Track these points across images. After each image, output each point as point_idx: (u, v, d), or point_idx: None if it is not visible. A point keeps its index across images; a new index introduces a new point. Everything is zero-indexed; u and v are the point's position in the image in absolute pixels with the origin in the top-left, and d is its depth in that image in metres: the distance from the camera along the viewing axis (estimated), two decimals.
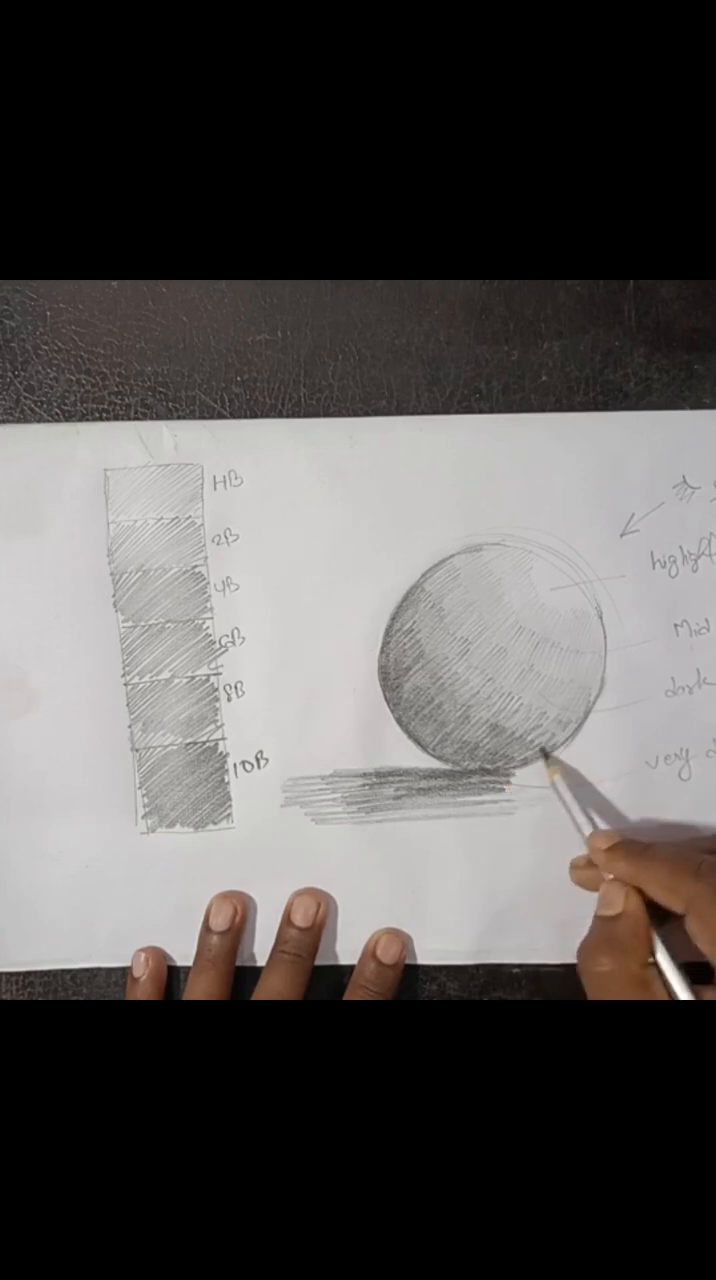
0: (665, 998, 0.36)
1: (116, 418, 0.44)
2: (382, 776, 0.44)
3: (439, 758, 0.44)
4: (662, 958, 0.37)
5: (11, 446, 0.44)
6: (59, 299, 0.45)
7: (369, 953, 0.43)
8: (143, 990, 0.43)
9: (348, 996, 0.43)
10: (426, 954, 0.44)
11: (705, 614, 0.44)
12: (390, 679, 0.44)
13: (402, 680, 0.44)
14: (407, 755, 0.44)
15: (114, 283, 0.45)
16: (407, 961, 0.44)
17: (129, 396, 0.45)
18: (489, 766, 0.44)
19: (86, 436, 0.44)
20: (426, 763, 0.44)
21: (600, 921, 0.38)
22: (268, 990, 0.42)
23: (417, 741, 0.44)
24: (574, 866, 0.42)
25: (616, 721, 0.44)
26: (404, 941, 0.43)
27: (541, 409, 0.45)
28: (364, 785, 0.44)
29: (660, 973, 0.36)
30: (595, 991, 0.37)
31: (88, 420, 0.44)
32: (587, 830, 0.41)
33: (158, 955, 0.43)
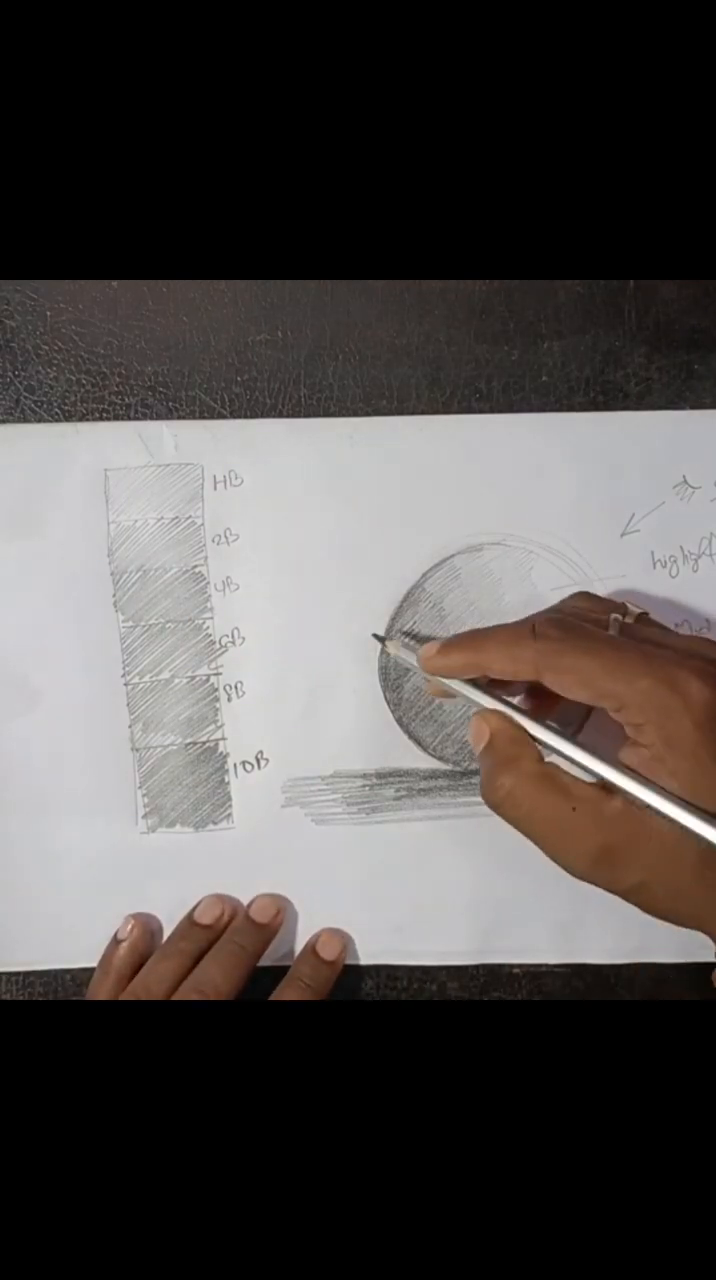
0: (576, 780, 0.34)
1: (116, 418, 0.44)
2: (383, 777, 0.44)
3: (439, 758, 0.44)
4: (560, 744, 0.35)
5: (11, 446, 0.44)
6: (59, 299, 0.45)
7: (308, 949, 0.43)
8: (119, 955, 0.42)
9: (280, 992, 0.42)
10: (426, 954, 0.44)
11: (705, 614, 0.44)
12: (390, 679, 0.44)
13: (403, 680, 0.44)
14: (408, 756, 0.44)
15: (114, 283, 0.45)
16: (410, 962, 0.44)
17: (129, 396, 0.45)
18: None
19: (86, 436, 0.44)
20: (427, 763, 0.44)
21: (480, 757, 0.36)
22: (203, 979, 0.40)
23: (418, 742, 0.44)
24: (430, 687, 0.39)
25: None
26: (344, 941, 0.43)
27: (541, 409, 0.45)
28: (364, 786, 0.44)
29: (562, 757, 0.35)
30: (514, 820, 0.35)
31: (88, 420, 0.44)
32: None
33: (144, 926, 0.43)
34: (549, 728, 0.35)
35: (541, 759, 0.35)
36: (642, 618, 0.37)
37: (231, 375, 0.45)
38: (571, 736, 0.35)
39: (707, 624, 0.44)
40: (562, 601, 0.39)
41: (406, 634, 0.44)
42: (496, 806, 0.35)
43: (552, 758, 0.35)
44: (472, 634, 0.36)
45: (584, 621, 0.35)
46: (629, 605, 0.37)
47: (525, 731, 0.35)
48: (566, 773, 0.34)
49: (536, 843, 0.35)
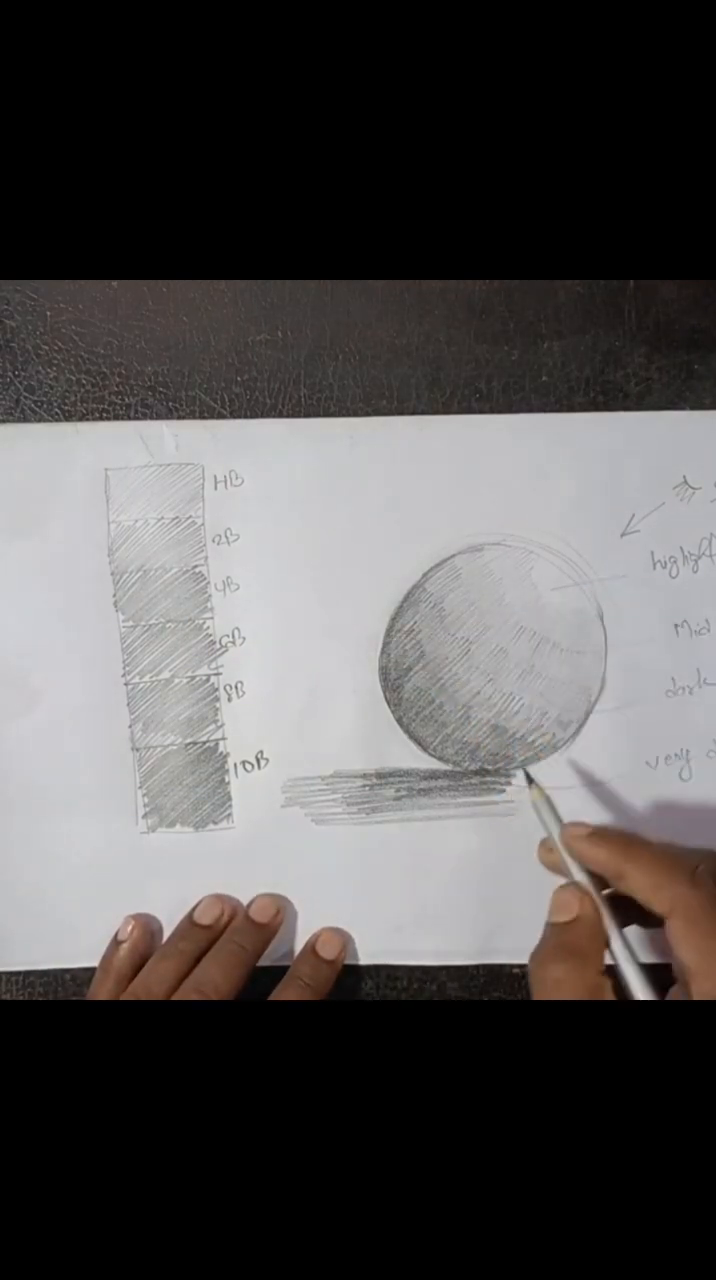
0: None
1: (117, 418, 0.44)
2: (383, 777, 0.44)
3: (440, 758, 0.44)
4: (625, 962, 0.35)
5: (11, 446, 0.44)
6: (59, 299, 0.45)
7: (308, 948, 0.43)
8: (119, 955, 0.43)
9: (280, 992, 0.42)
10: (427, 954, 0.44)
11: (705, 614, 0.44)
12: (391, 679, 0.44)
13: (403, 681, 0.44)
14: (408, 756, 0.44)
15: (114, 283, 0.45)
16: (410, 962, 0.44)
17: (129, 396, 0.45)
18: (489, 767, 0.44)
19: (87, 436, 0.44)
20: (427, 763, 0.44)
21: (553, 928, 0.36)
22: (203, 978, 0.40)
23: (418, 742, 0.44)
24: (544, 846, 0.39)
25: (617, 722, 0.44)
26: (344, 940, 0.43)
27: (541, 409, 0.45)
28: (364, 786, 0.44)
29: (616, 979, 0.35)
30: (540, 995, 0.35)
31: (88, 420, 0.44)
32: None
33: (144, 926, 0.43)
34: (624, 937, 0.35)
35: (602, 967, 0.34)
36: None
37: (231, 375, 0.45)
38: (649, 982, 0.34)
39: (707, 624, 0.44)
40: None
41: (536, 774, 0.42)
42: (535, 979, 0.35)
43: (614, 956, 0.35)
44: (628, 842, 0.36)
45: None
46: None
47: (604, 934, 0.35)
48: (614, 990, 0.34)
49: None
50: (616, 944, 0.35)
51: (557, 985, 0.34)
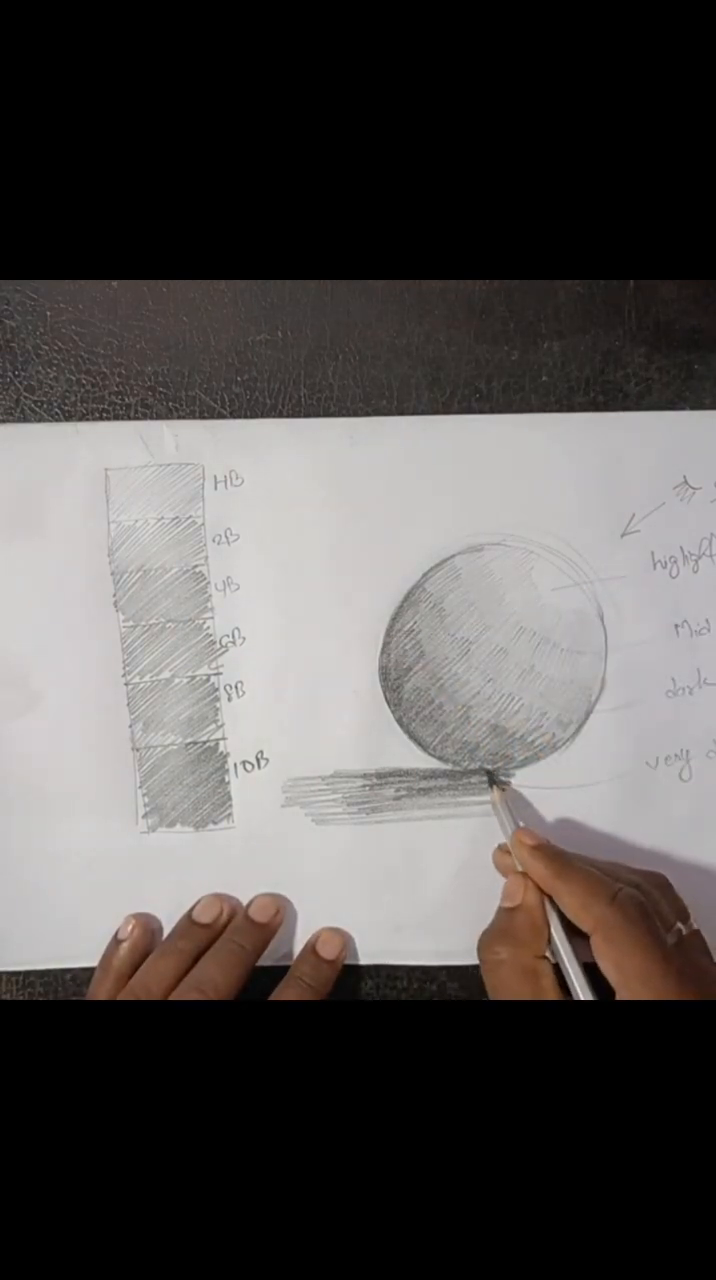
0: (551, 990, 0.37)
1: (117, 418, 0.44)
2: (383, 777, 0.44)
3: (439, 758, 0.44)
4: (562, 950, 0.37)
5: (11, 446, 0.44)
6: (59, 299, 0.45)
7: (309, 948, 0.43)
8: (119, 955, 0.43)
9: (280, 992, 0.42)
10: (427, 954, 0.44)
11: (705, 614, 0.44)
12: (391, 679, 0.44)
13: (403, 681, 0.44)
14: (408, 756, 0.44)
15: (114, 283, 0.45)
16: (410, 962, 0.44)
17: (129, 396, 0.45)
18: (489, 767, 0.44)
19: (87, 436, 0.44)
20: (427, 763, 0.44)
21: (501, 912, 0.40)
22: (202, 977, 0.41)
23: (418, 742, 0.44)
24: (499, 849, 0.43)
25: (617, 722, 0.44)
26: (345, 940, 0.44)
27: (541, 409, 0.45)
28: (364, 786, 0.44)
29: (553, 968, 0.38)
30: (488, 977, 0.38)
31: (88, 420, 0.44)
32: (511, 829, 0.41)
33: (144, 926, 0.43)
34: (563, 930, 0.38)
35: (542, 952, 0.38)
36: (696, 935, 0.38)
37: (231, 375, 0.45)
38: (583, 972, 0.37)
39: (707, 624, 0.44)
40: (646, 876, 0.39)
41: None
42: (481, 958, 0.39)
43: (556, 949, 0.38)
44: (564, 862, 0.39)
45: (657, 915, 0.37)
46: (691, 920, 0.38)
47: (546, 926, 0.38)
48: (551, 975, 0.37)
49: (487, 992, 0.39)
50: (557, 934, 0.38)
51: (498, 965, 0.38)
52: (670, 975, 0.34)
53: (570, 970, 0.37)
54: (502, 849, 0.42)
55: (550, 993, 0.37)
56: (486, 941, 0.39)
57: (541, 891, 0.39)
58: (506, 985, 0.37)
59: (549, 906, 0.39)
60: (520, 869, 0.40)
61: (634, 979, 0.34)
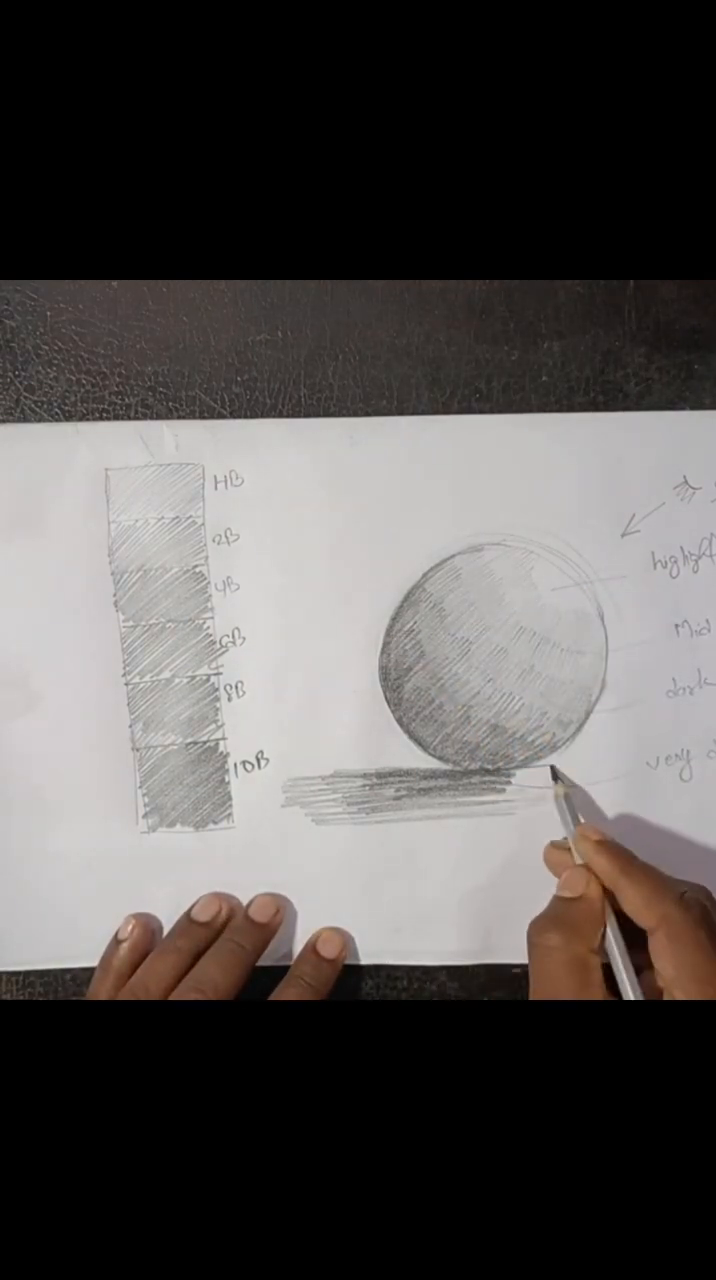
0: (600, 986, 0.36)
1: (117, 418, 0.44)
2: (383, 777, 0.44)
3: (439, 758, 0.44)
4: (616, 947, 0.37)
5: (11, 446, 0.44)
6: (59, 299, 0.45)
7: (309, 948, 0.43)
8: (119, 955, 0.42)
9: (280, 991, 0.42)
10: (427, 954, 0.44)
11: (705, 614, 0.44)
12: (391, 679, 0.44)
13: (403, 680, 0.44)
14: (408, 756, 0.44)
15: (114, 283, 0.45)
16: (410, 962, 0.44)
17: (129, 396, 0.45)
18: (489, 767, 0.44)
19: (87, 436, 0.44)
20: (427, 763, 0.44)
21: (558, 901, 0.39)
22: (202, 977, 0.41)
23: (418, 742, 0.44)
24: (551, 845, 0.43)
25: (617, 722, 0.44)
26: (345, 939, 0.43)
27: (541, 409, 0.45)
28: (364, 786, 0.44)
29: (604, 963, 0.37)
30: (536, 963, 0.37)
31: (88, 420, 0.44)
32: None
33: (144, 926, 0.43)
34: (618, 934, 0.38)
35: (595, 946, 0.37)
36: None
37: (231, 375, 0.45)
38: (631, 972, 0.37)
39: (707, 624, 0.44)
40: (694, 886, 0.39)
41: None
42: (531, 942, 0.38)
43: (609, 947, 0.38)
44: (630, 859, 0.39)
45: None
46: None
47: (603, 922, 0.38)
48: (600, 971, 0.37)
49: (531, 983, 0.37)
50: (613, 929, 0.38)
51: (550, 951, 0.37)
52: None
53: (621, 966, 0.37)
54: (555, 844, 0.42)
55: (598, 988, 0.36)
56: (540, 926, 0.38)
57: (603, 887, 0.38)
58: (553, 975, 0.37)
59: (607, 902, 0.38)
60: (580, 862, 0.39)
61: (690, 979, 0.34)
